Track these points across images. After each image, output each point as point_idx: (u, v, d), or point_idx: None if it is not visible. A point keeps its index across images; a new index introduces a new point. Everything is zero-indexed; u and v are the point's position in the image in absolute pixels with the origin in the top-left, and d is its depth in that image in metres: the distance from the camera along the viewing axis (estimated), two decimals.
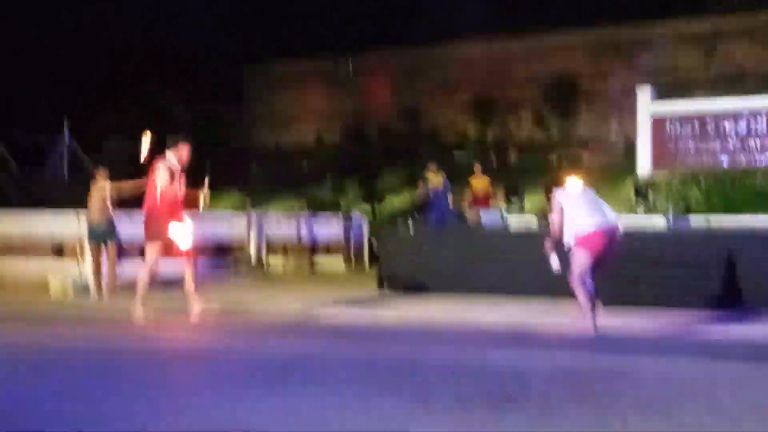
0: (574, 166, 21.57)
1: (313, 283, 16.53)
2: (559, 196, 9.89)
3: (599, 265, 9.65)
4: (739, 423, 5.35)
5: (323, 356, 7.97)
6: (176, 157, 10.51)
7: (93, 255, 13.98)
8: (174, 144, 10.51)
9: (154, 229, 10.40)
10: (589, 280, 9.55)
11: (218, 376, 6.99)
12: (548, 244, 9.89)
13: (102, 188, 13.81)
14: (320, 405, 5.78)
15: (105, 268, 14.12)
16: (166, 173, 10.39)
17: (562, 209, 9.76)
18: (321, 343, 8.94)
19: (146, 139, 11.01)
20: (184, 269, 10.68)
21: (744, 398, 6.02)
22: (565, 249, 9.73)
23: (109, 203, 13.84)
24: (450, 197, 17.53)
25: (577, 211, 9.69)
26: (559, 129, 28.10)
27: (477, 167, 18.64)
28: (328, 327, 10.39)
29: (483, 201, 17.99)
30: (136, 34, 32.99)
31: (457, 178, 19.42)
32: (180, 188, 10.56)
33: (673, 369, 7.21)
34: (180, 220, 10.52)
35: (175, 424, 5.33)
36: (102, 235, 13.95)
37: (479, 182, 18.52)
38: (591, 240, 9.52)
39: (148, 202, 10.49)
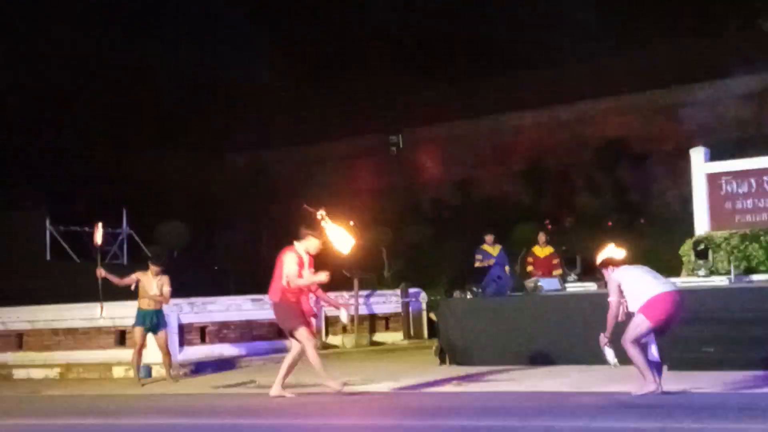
0: (628, 233, 21.38)
1: (374, 359, 16.48)
2: (614, 275, 9.67)
3: (664, 330, 9.48)
4: None
5: (384, 429, 7.94)
6: (305, 248, 10.71)
7: (138, 340, 14.17)
8: (304, 236, 10.74)
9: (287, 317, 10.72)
10: (653, 345, 9.40)
11: None
12: (603, 339, 9.60)
13: (150, 279, 14.11)
14: None
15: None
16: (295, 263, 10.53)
17: (620, 289, 9.55)
18: (382, 418, 8.89)
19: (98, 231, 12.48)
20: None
21: None
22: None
23: (157, 291, 14.11)
24: (507, 268, 17.51)
25: (640, 281, 9.51)
26: (613, 194, 27.96)
27: (541, 236, 18.64)
28: (389, 401, 10.34)
29: (546, 270, 17.92)
30: None
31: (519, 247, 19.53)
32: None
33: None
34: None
35: None
36: (151, 323, 14.16)
37: (542, 251, 18.53)
38: (658, 303, 9.32)
39: (277, 288, 10.70)
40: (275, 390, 10.91)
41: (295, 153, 34.19)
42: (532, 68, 32.19)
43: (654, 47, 29.68)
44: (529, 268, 18.42)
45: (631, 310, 9.52)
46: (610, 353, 9.63)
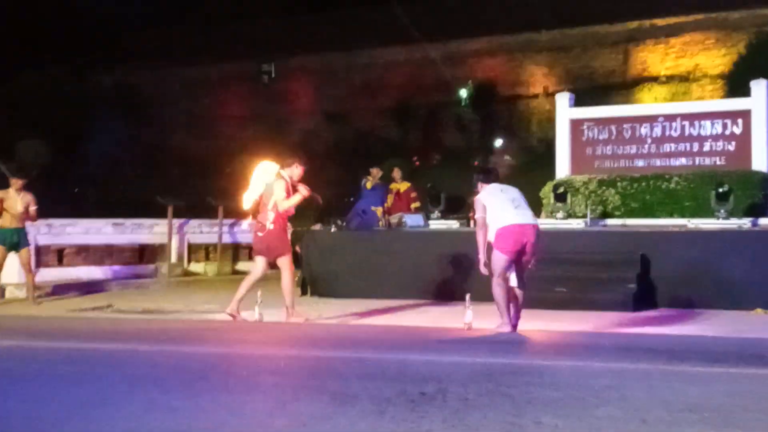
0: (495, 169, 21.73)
1: (235, 288, 16.44)
2: (481, 193, 9.86)
3: (520, 261, 9.67)
4: (647, 416, 5.51)
5: (244, 360, 7.96)
6: (289, 174, 11.02)
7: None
8: (289, 163, 11.06)
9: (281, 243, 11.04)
10: (508, 280, 9.63)
11: (136, 379, 6.93)
12: (481, 265, 9.68)
13: (12, 196, 13.56)
14: (239, 407, 5.78)
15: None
16: (284, 189, 10.85)
17: (485, 207, 9.71)
18: (243, 347, 8.91)
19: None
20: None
21: (654, 396, 6.17)
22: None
23: (21, 209, 13.58)
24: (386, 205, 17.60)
25: (499, 207, 9.63)
26: (480, 135, 28.37)
27: (396, 172, 18.68)
28: (248, 331, 10.37)
29: (405, 205, 18.06)
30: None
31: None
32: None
33: (588, 370, 7.36)
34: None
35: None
36: (11, 242, 13.67)
37: (400, 186, 18.58)
38: (507, 234, 9.48)
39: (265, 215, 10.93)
40: (232, 308, 11.10)
41: (165, 75, 33.39)
42: (407, 2, 32.13)
43: None
44: (389, 203, 18.53)
45: (488, 239, 9.64)
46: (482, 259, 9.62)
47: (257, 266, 11.32)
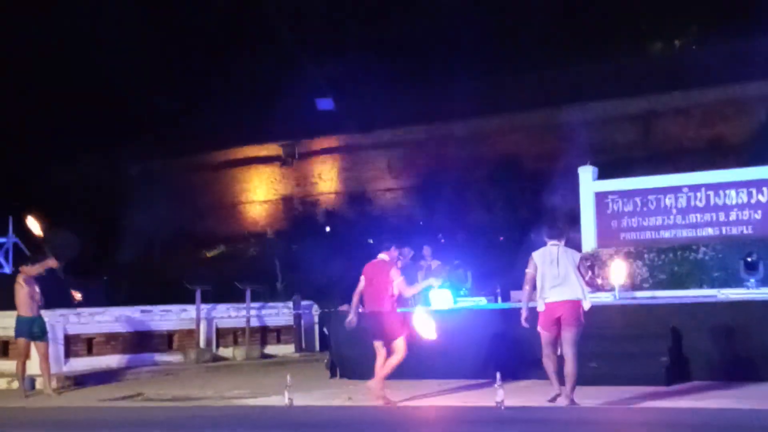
0: (518, 249, 21.73)
1: (264, 372, 16.42)
2: (537, 253, 10.12)
3: (559, 332, 9.90)
4: None
5: None
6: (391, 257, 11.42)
7: (23, 351, 13.73)
8: (388, 248, 11.46)
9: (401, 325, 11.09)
10: (556, 352, 9.90)
11: None
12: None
13: (23, 284, 13.59)
14: None
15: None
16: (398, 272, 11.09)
17: (536, 266, 10.01)
18: None
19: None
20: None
21: None
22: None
23: (36, 299, 13.63)
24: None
25: (540, 278, 9.94)
26: (505, 211, 28.42)
27: (426, 249, 18.68)
28: (279, 415, 10.30)
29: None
30: None
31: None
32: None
33: None
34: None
35: None
36: (32, 330, 13.71)
37: (432, 264, 18.54)
38: (543, 312, 9.93)
39: (385, 299, 11.04)
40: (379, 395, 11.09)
41: (188, 161, 33.82)
42: (426, 82, 32.54)
43: (546, 68, 30.32)
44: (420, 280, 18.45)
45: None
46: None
47: (399, 347, 11.18)
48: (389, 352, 11.05)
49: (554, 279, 9.85)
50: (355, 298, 11.40)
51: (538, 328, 9.99)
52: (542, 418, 9.37)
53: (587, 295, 9.96)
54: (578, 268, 9.94)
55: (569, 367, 9.86)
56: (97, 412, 11.78)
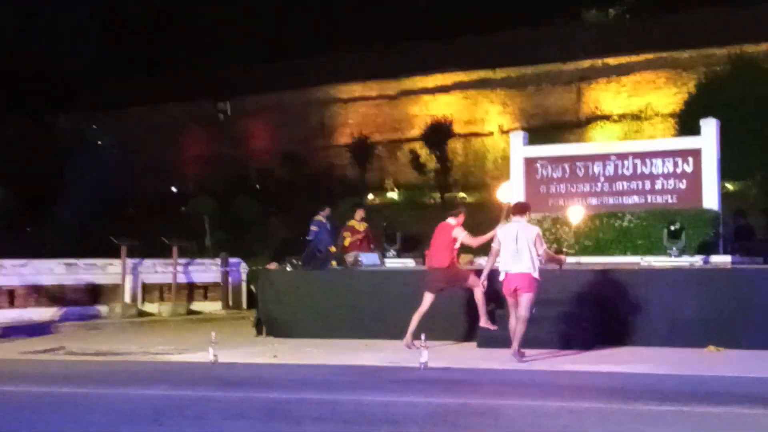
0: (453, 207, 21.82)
1: (190, 328, 16.34)
2: (500, 231, 11.41)
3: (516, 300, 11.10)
4: None
5: (198, 402, 7.88)
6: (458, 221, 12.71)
7: None
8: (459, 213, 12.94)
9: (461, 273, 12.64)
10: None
11: (89, 423, 6.83)
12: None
13: None
14: None
15: None
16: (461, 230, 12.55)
17: (500, 242, 11.22)
18: (197, 389, 8.82)
19: None
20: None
21: None
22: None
23: None
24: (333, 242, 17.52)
25: (502, 252, 11.17)
26: (437, 171, 28.49)
27: (359, 212, 18.68)
28: (204, 371, 10.27)
29: (364, 245, 18.02)
30: None
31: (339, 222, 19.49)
32: None
33: (544, 410, 7.37)
34: None
35: None
36: None
37: (360, 226, 18.54)
38: (504, 281, 11.16)
39: (447, 256, 12.44)
40: (407, 341, 12.08)
41: (119, 118, 33.28)
42: (362, 44, 32.37)
43: (482, 31, 30.34)
44: (347, 242, 18.46)
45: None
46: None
47: (426, 300, 12.38)
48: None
49: (513, 254, 11.07)
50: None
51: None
52: (464, 379, 9.50)
53: (537, 267, 11.07)
54: (534, 243, 11.04)
55: (519, 326, 10.94)
56: (18, 364, 11.63)
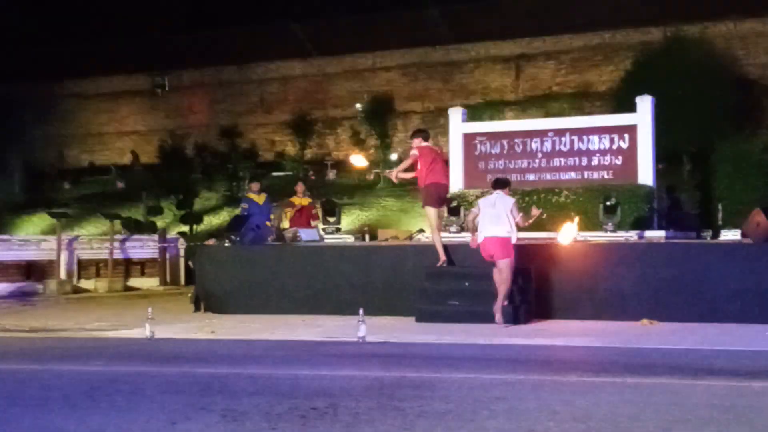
0: (391, 188, 21.88)
1: (127, 305, 16.19)
2: (482, 201, 12.35)
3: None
4: (536, 427, 5.60)
5: (133, 377, 7.82)
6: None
7: None
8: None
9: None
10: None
11: (21, 399, 6.74)
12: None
13: None
14: (126, 426, 5.68)
15: None
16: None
17: (477, 214, 12.13)
18: (132, 364, 8.76)
19: None
20: None
21: (542, 406, 6.28)
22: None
23: None
24: (272, 218, 17.42)
25: (481, 219, 12.04)
26: (377, 148, 28.49)
27: (299, 186, 18.60)
28: (140, 347, 10.20)
29: (305, 221, 17.96)
30: None
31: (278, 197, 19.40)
32: None
33: (479, 382, 7.44)
34: None
35: None
36: None
37: (301, 201, 18.46)
38: (483, 245, 11.94)
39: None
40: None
41: (55, 88, 32.70)
42: (302, 18, 32.13)
43: (421, 7, 30.29)
44: (288, 217, 18.39)
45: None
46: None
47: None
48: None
49: (492, 218, 11.92)
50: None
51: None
52: (401, 353, 9.54)
53: (515, 232, 11.93)
54: (510, 212, 11.92)
55: (501, 288, 11.74)
56: None
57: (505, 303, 11.80)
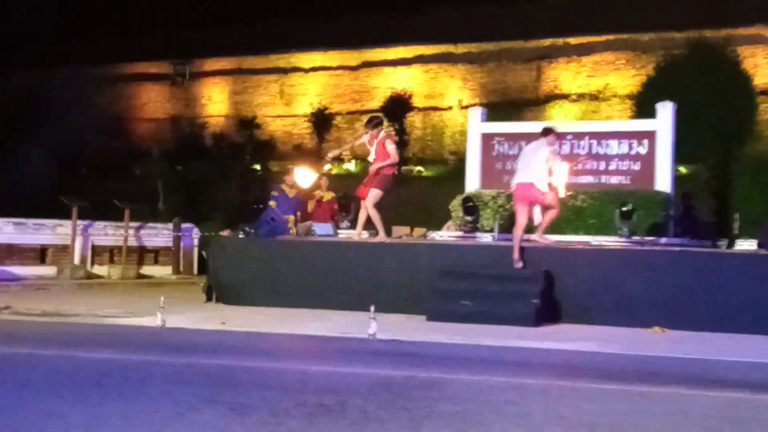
0: (405, 183, 21.86)
1: (139, 292, 16.25)
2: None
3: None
4: (542, 430, 5.60)
5: (143, 366, 7.84)
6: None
7: None
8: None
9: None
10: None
11: (29, 384, 6.76)
12: None
13: None
14: (134, 416, 5.69)
15: None
16: None
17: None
18: (142, 353, 8.77)
19: None
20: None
21: (550, 412, 6.26)
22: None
23: None
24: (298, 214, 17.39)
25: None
26: (397, 144, 28.47)
27: (323, 181, 18.60)
28: (150, 336, 10.22)
29: (328, 215, 17.95)
30: None
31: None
32: None
33: (488, 384, 7.42)
34: None
35: None
36: None
37: (325, 196, 18.45)
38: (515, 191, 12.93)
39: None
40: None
41: (74, 75, 32.81)
42: (326, 12, 32.19)
43: (444, 5, 30.28)
44: (310, 210, 18.35)
45: None
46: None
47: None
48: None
49: (521, 166, 13.07)
50: None
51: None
52: (411, 351, 9.53)
53: (543, 180, 12.90)
54: (544, 160, 12.78)
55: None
56: None
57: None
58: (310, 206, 18.17)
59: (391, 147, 14.04)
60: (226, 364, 8.16)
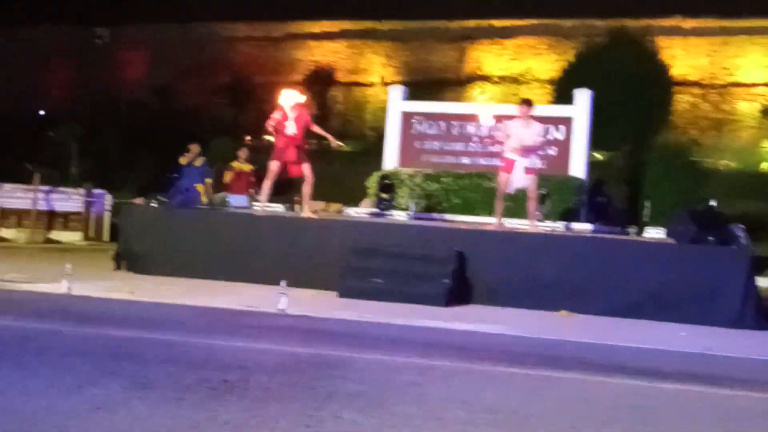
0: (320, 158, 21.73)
1: (47, 257, 15.92)
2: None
3: None
4: (444, 414, 5.61)
5: (44, 335, 7.67)
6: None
7: None
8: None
9: None
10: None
11: None
12: None
13: None
14: (30, 387, 5.56)
15: None
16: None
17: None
18: (45, 321, 8.59)
19: None
20: None
21: (453, 394, 6.30)
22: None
23: None
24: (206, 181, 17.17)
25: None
26: (316, 118, 28.33)
27: (242, 152, 18.42)
28: (54, 303, 10.01)
29: (245, 187, 17.79)
30: None
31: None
32: None
33: (393, 365, 7.44)
34: None
35: None
36: None
37: (243, 167, 18.28)
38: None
39: None
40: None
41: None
42: None
43: None
44: (227, 181, 18.14)
45: None
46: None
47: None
48: None
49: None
50: None
51: None
52: (320, 328, 9.50)
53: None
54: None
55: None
56: None
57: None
58: (228, 177, 18.00)
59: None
60: (132, 335, 8.04)
